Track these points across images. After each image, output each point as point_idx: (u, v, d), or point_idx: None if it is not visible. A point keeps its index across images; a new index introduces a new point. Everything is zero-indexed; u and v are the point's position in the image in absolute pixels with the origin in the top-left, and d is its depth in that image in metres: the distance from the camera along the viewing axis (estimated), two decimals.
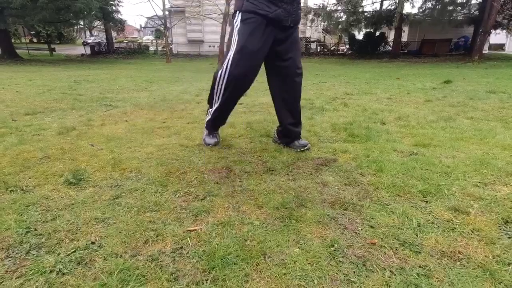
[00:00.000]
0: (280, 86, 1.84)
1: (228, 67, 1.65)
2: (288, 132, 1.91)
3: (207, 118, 1.95)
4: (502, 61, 12.47)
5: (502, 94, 4.09)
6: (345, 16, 18.25)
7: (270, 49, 1.70)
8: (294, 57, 1.77)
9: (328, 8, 18.00)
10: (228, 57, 1.65)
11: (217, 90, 1.75)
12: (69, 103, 3.55)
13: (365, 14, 18.16)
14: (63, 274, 0.86)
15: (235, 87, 1.71)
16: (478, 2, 16.04)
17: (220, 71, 1.69)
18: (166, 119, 2.77)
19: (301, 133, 1.98)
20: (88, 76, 7.41)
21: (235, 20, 1.66)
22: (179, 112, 3.08)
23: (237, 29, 1.63)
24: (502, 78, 6.28)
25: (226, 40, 14.82)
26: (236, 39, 1.62)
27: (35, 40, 28.78)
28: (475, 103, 3.47)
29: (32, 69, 10.17)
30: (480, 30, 13.39)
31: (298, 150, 1.86)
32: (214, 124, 1.97)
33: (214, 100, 1.81)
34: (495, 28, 15.24)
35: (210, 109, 1.90)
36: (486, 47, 16.20)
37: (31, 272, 0.86)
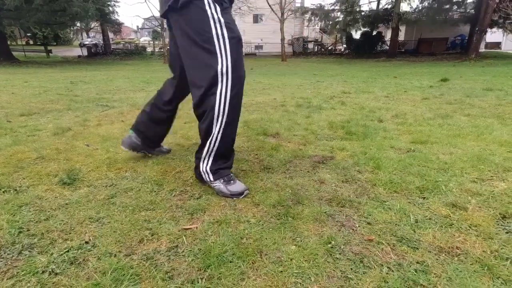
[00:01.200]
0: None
1: (230, 70, 1.20)
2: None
3: (207, 164, 1.33)
4: (499, 59, 12.53)
5: (498, 91, 4.11)
6: (342, 16, 18.30)
7: None
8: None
9: (325, 8, 18.03)
10: (220, 59, 1.19)
11: (220, 101, 1.23)
12: (65, 104, 3.52)
13: (362, 13, 18.22)
14: (56, 274, 0.84)
15: (241, 91, 1.29)
16: (474, 1, 16.13)
17: (218, 82, 1.21)
18: None
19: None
20: (85, 77, 7.37)
21: (208, 7, 1.17)
22: None
23: (222, 20, 1.18)
24: (498, 76, 6.31)
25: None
26: (226, 32, 1.19)
27: (31, 42, 28.65)
28: (472, 100, 3.48)
29: (28, 71, 10.11)
30: (476, 29, 13.45)
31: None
32: (224, 159, 1.36)
33: (214, 124, 1.26)
34: (491, 27, 15.31)
35: (208, 143, 1.30)
36: (482, 45, 16.31)
37: (23, 273, 0.84)
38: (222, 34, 1.19)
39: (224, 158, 1.35)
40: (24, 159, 1.67)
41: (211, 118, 1.25)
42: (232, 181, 1.32)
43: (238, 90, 1.25)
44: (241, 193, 1.29)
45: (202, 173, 1.34)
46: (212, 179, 1.32)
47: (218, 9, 1.19)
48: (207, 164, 1.33)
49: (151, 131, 1.66)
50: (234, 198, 1.27)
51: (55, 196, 1.28)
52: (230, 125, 1.29)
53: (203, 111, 1.26)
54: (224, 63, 1.20)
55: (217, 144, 1.29)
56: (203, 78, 1.22)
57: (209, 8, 1.17)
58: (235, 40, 1.22)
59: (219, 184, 1.31)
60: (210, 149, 1.31)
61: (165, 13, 1.27)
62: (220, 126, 1.27)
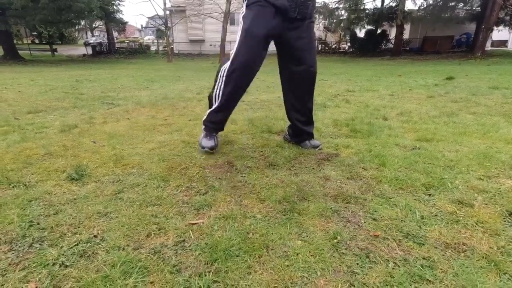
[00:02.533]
0: (289, 82, 1.78)
1: (233, 55, 1.58)
2: (299, 131, 1.85)
3: (205, 118, 1.80)
4: (505, 58, 12.39)
5: (505, 90, 4.06)
6: (347, 14, 18.20)
7: (282, 43, 1.65)
8: (306, 54, 1.67)
9: (329, 6, 17.95)
10: (235, 46, 1.60)
11: (219, 84, 1.66)
12: (71, 102, 3.56)
13: (367, 11, 18.10)
14: (66, 266, 0.86)
15: (239, 76, 1.61)
16: None
17: (225, 63, 1.64)
18: (167, 116, 2.77)
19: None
20: (90, 76, 7.43)
21: (241, 11, 1.61)
22: (180, 110, 3.08)
23: (242, 15, 1.58)
24: (505, 74, 6.24)
25: (227, 38, 14.82)
26: (241, 25, 1.56)
27: (37, 41, 28.87)
28: (478, 98, 3.45)
29: (34, 70, 10.21)
30: (483, 27, 13.30)
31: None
32: (214, 125, 1.79)
33: (215, 97, 1.71)
34: (498, 25, 15.14)
35: (210, 109, 1.78)
36: (488, 43, 16.12)
37: (34, 265, 0.86)
38: (240, 27, 1.58)
39: (219, 112, 1.75)
40: (32, 156, 1.70)
41: (216, 82, 1.70)
42: (208, 137, 1.76)
43: (233, 70, 1.60)
44: (203, 147, 1.72)
45: (203, 124, 1.82)
46: (203, 128, 1.81)
47: (244, 6, 1.58)
48: (209, 114, 1.78)
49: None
50: (200, 151, 1.74)
51: (63, 191, 1.30)
52: (226, 94, 1.67)
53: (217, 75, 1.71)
54: (236, 47, 1.59)
55: (218, 103, 1.71)
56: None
57: (242, 7, 1.60)
58: (244, 32, 1.55)
59: (202, 134, 1.80)
60: (215, 97, 1.71)
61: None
62: (218, 95, 1.69)
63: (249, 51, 1.56)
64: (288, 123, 1.93)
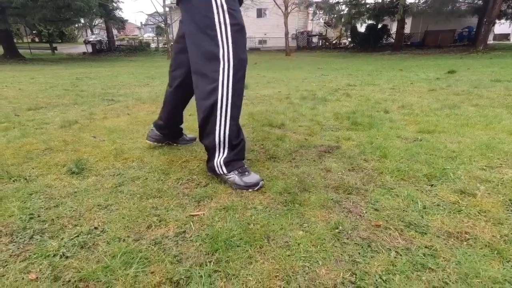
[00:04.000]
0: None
1: (232, 56, 1.20)
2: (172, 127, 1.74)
3: (221, 156, 1.30)
4: (507, 51, 12.29)
5: (507, 82, 4.03)
6: (347, 9, 18.07)
7: None
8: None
9: (330, 1, 17.82)
10: (221, 45, 1.19)
11: (226, 98, 1.23)
12: (71, 99, 3.55)
13: (367, 6, 17.96)
14: (67, 257, 0.86)
15: (244, 77, 1.27)
16: None
17: (220, 68, 1.21)
18: None
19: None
20: (90, 74, 7.41)
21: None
22: None
23: (224, 6, 1.17)
24: (507, 68, 6.19)
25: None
26: (228, 18, 1.18)
27: (37, 39, 28.85)
28: (480, 91, 3.42)
29: (34, 68, 10.20)
30: (485, 20, 13.17)
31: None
32: (235, 149, 1.31)
33: (219, 114, 1.25)
34: (500, 18, 15.00)
35: (217, 133, 1.28)
36: (490, 37, 15.99)
37: (35, 256, 0.86)
38: (224, 21, 1.18)
39: (235, 148, 1.32)
40: (33, 150, 1.69)
41: (215, 106, 1.23)
42: (246, 172, 1.28)
43: (242, 75, 1.25)
44: (256, 184, 1.24)
45: (216, 167, 1.31)
46: (225, 171, 1.29)
47: None
48: (221, 157, 1.30)
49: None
50: (250, 190, 1.24)
51: (63, 184, 1.29)
52: (236, 110, 1.28)
53: (209, 99, 1.23)
54: (225, 49, 1.19)
55: (227, 132, 1.27)
56: (206, 65, 1.21)
57: None
58: (238, 27, 1.20)
59: (233, 176, 1.27)
60: (220, 140, 1.28)
61: (177, 1, 1.26)
62: (226, 114, 1.25)
63: (244, 45, 1.26)
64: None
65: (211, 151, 1.33)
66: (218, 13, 1.17)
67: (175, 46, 1.53)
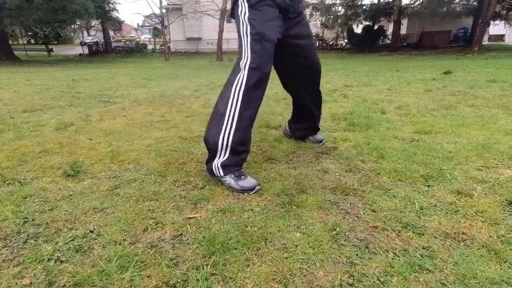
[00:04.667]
0: (297, 82, 1.70)
1: (248, 65, 1.26)
2: (306, 126, 1.80)
3: (220, 159, 1.31)
4: (502, 52, 12.39)
5: (502, 83, 4.06)
6: (344, 10, 18.14)
7: (282, 45, 1.40)
8: (308, 51, 1.55)
9: (326, 2, 17.88)
10: (246, 54, 1.27)
11: (234, 106, 1.27)
12: (67, 101, 3.53)
13: (364, 7, 18.04)
14: (61, 261, 0.85)
15: (262, 89, 1.32)
16: None
17: (238, 75, 1.28)
18: (164, 113, 2.76)
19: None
20: (86, 75, 7.38)
21: (239, 10, 1.30)
22: (177, 107, 3.06)
23: (245, 17, 1.28)
24: (502, 68, 6.24)
25: (224, 36, 14.76)
26: (248, 28, 1.26)
27: (32, 41, 28.66)
28: (476, 91, 3.45)
29: (30, 70, 10.13)
30: (480, 21, 13.28)
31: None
32: (236, 156, 1.32)
33: (227, 118, 1.28)
34: (494, 19, 15.13)
35: (220, 138, 1.29)
36: (485, 38, 16.13)
37: (29, 260, 0.85)
38: (246, 31, 1.27)
39: (237, 154, 1.32)
40: (28, 153, 1.68)
41: (224, 114, 1.27)
42: (243, 176, 1.28)
43: (254, 84, 1.26)
44: (252, 189, 1.24)
45: (214, 169, 1.31)
46: (222, 174, 1.29)
47: (246, 5, 1.28)
48: (220, 159, 1.31)
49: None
50: (246, 194, 1.23)
51: (59, 187, 1.28)
52: (243, 119, 1.28)
53: (221, 107, 1.29)
54: (245, 57, 1.27)
55: (230, 139, 1.27)
56: (231, 74, 1.32)
57: (240, 6, 1.29)
58: (257, 36, 1.26)
59: (229, 179, 1.28)
60: (223, 144, 1.29)
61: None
62: (233, 120, 1.27)
63: (269, 59, 1.30)
64: (288, 118, 1.90)
65: (211, 153, 1.33)
66: (242, 24, 1.29)
67: None
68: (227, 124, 1.27)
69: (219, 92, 1.35)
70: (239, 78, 1.26)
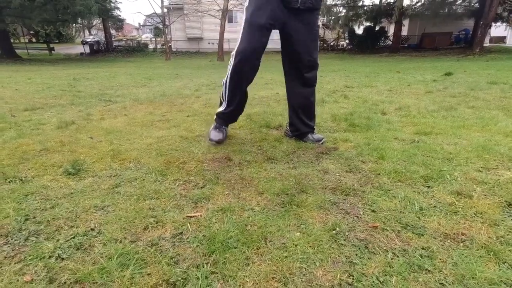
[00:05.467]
0: (290, 78, 1.80)
1: (236, 47, 1.60)
2: (301, 125, 1.84)
3: (218, 110, 1.86)
4: (503, 54, 12.40)
5: (503, 84, 4.06)
6: (345, 11, 18.15)
7: (285, 34, 1.66)
8: (304, 47, 1.67)
9: (327, 3, 17.88)
10: (238, 39, 1.61)
11: (226, 80, 1.72)
12: (68, 99, 3.54)
13: (365, 8, 18.05)
14: (62, 259, 0.85)
15: (241, 65, 1.62)
16: None
17: (231, 59, 1.66)
18: (165, 112, 2.76)
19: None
20: (87, 74, 7.39)
21: (245, 2, 1.62)
22: (178, 106, 3.07)
23: (245, 7, 1.60)
24: (503, 70, 6.24)
25: (225, 36, 14.76)
26: (244, 16, 1.59)
27: (34, 39, 28.69)
28: (477, 93, 3.45)
29: (31, 68, 10.15)
30: (481, 23, 13.28)
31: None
32: (225, 117, 1.86)
33: (224, 93, 1.78)
34: (496, 21, 15.13)
35: (220, 106, 1.85)
36: (487, 40, 16.12)
37: (30, 258, 0.85)
38: (242, 19, 1.59)
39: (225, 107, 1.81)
40: (29, 151, 1.68)
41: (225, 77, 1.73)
42: (217, 130, 1.80)
43: (239, 61, 1.60)
44: (210, 139, 1.77)
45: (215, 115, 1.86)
46: (214, 119, 1.84)
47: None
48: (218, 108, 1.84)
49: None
50: (208, 142, 1.75)
51: (60, 185, 1.29)
52: (233, 89, 1.74)
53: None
54: (239, 39, 1.60)
55: (226, 96, 1.77)
56: None
57: None
58: (247, 21, 1.55)
59: (212, 126, 1.82)
60: (222, 96, 1.81)
61: None
62: (226, 89, 1.75)
63: (250, 39, 1.56)
64: (288, 119, 1.92)
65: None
66: (244, 12, 1.61)
67: None
68: (224, 83, 1.75)
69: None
70: (231, 56, 1.64)
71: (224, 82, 1.75)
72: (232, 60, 1.64)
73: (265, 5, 1.54)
